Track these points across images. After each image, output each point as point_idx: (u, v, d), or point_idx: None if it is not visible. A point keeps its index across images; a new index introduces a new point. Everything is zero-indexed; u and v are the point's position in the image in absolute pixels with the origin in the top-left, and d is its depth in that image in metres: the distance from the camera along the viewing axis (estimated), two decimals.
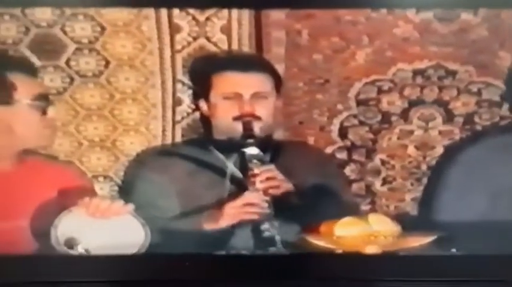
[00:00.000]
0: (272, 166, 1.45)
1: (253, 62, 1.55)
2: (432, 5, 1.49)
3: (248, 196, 1.42)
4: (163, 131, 1.65)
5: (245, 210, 1.43)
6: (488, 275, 1.05)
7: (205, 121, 1.60)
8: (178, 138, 1.67)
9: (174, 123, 1.65)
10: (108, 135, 1.64)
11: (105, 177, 1.66)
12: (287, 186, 1.44)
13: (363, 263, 1.10)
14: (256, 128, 1.50)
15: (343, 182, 1.61)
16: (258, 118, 1.50)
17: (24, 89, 1.49)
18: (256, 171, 1.44)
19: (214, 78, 1.54)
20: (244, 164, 1.48)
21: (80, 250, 1.36)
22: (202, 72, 1.57)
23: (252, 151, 1.46)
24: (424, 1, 1.43)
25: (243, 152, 1.47)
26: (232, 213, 1.44)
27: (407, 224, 1.37)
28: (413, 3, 1.48)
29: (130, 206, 1.38)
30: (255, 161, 1.45)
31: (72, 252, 1.31)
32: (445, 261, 1.09)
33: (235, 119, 1.50)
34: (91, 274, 1.11)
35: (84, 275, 1.10)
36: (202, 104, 1.58)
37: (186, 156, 1.54)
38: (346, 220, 1.39)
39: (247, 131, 1.48)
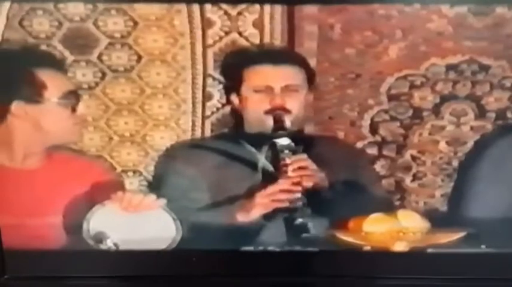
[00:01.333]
0: (304, 155, 1.46)
1: (284, 54, 1.54)
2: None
3: (281, 183, 1.43)
4: (193, 125, 1.66)
5: (277, 197, 1.44)
6: (489, 273, 1.05)
7: (236, 115, 1.60)
8: (208, 133, 1.67)
9: (203, 118, 1.65)
10: (138, 130, 1.64)
11: (134, 172, 1.66)
12: (320, 176, 1.46)
13: (366, 261, 1.08)
14: (287, 121, 1.51)
15: (374, 178, 1.61)
16: (289, 111, 1.51)
17: (54, 86, 1.49)
18: (288, 161, 1.46)
19: (245, 72, 1.55)
20: (275, 156, 1.49)
21: (109, 244, 1.35)
22: (234, 66, 1.57)
23: (283, 141, 1.48)
24: None
25: (274, 144, 1.49)
26: (264, 202, 1.45)
27: (437, 220, 1.37)
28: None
29: (163, 201, 1.39)
30: (286, 151, 1.47)
31: (101, 246, 1.33)
32: (445, 259, 1.07)
33: (266, 112, 1.52)
34: (97, 269, 1.10)
35: (96, 270, 1.10)
36: (234, 98, 1.59)
37: (217, 149, 1.56)
38: (375, 216, 1.39)
39: (278, 124, 1.49)
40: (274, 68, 1.53)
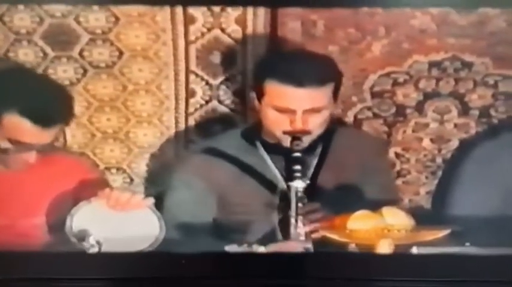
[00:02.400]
0: (317, 205, 1.34)
1: (313, 72, 1.37)
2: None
3: (288, 245, 1.30)
4: (176, 122, 1.65)
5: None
6: (487, 275, 1.05)
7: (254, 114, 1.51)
8: (191, 130, 1.66)
9: (187, 115, 1.64)
10: (121, 127, 1.64)
11: (117, 169, 1.66)
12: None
13: (359, 263, 1.10)
14: (305, 141, 1.39)
15: (391, 179, 1.56)
16: (309, 132, 1.39)
17: None
18: (300, 210, 1.32)
19: (267, 85, 1.39)
20: (288, 170, 1.37)
21: (91, 242, 1.31)
22: (258, 72, 1.46)
23: (297, 184, 1.33)
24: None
25: (288, 186, 1.35)
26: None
27: (422, 217, 1.34)
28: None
29: (150, 200, 1.34)
30: (300, 194, 1.33)
31: (83, 244, 1.28)
32: (443, 261, 1.09)
33: (286, 133, 1.39)
34: (88, 271, 1.10)
35: (84, 272, 1.10)
36: (253, 99, 1.45)
37: (231, 157, 1.44)
38: (360, 213, 1.35)
39: (295, 146, 1.37)
40: (300, 91, 1.35)
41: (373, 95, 1.64)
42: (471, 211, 1.46)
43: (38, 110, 1.37)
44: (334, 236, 1.31)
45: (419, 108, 1.65)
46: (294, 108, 1.35)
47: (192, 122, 1.66)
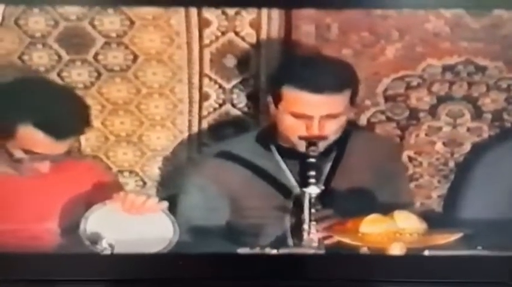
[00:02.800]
0: (330, 212, 1.34)
1: (332, 78, 1.37)
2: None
3: (301, 252, 1.31)
4: (190, 126, 1.63)
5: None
6: (483, 277, 1.06)
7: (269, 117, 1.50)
8: (205, 134, 1.65)
9: (200, 118, 1.63)
10: (134, 130, 1.62)
11: (130, 172, 1.64)
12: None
13: (358, 264, 1.11)
14: (321, 146, 1.39)
15: (405, 183, 1.55)
16: (325, 138, 1.38)
17: None
18: (313, 216, 1.32)
19: (285, 91, 1.38)
20: (303, 176, 1.37)
21: (104, 245, 1.32)
22: (275, 77, 1.45)
23: (312, 190, 1.33)
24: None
25: (303, 192, 1.35)
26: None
27: (434, 221, 1.34)
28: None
29: (165, 204, 1.34)
30: (313, 201, 1.34)
31: (97, 246, 1.30)
32: (438, 262, 1.10)
33: (302, 138, 1.38)
34: (85, 272, 1.11)
35: (79, 273, 1.11)
36: (271, 105, 1.44)
37: (245, 161, 1.43)
38: (372, 217, 1.35)
39: (311, 152, 1.36)
40: (317, 97, 1.35)
41: (387, 98, 1.62)
42: (483, 214, 1.45)
43: (52, 122, 1.37)
44: (346, 240, 1.31)
45: (433, 111, 1.63)
46: (311, 115, 1.35)
47: (205, 125, 1.64)
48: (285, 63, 1.49)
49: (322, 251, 1.24)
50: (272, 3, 1.42)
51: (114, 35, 1.57)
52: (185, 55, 1.59)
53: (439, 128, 1.63)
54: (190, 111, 1.63)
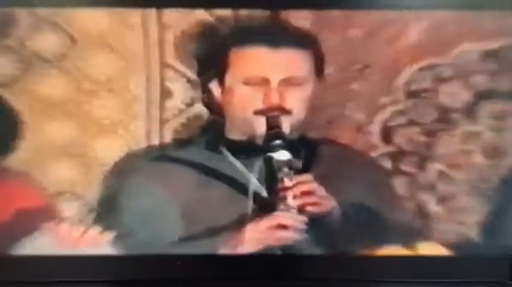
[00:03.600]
0: (309, 177, 1.24)
1: (288, 33, 1.25)
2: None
3: (279, 216, 1.22)
4: (148, 132, 1.35)
5: (274, 234, 1.23)
6: (482, 277, 1.07)
7: (216, 112, 1.31)
8: (168, 143, 1.36)
9: (162, 122, 1.35)
10: (75, 139, 1.33)
11: (72, 194, 1.35)
12: (329, 203, 1.24)
13: (356, 265, 1.10)
14: (285, 125, 1.24)
15: (394, 200, 1.36)
16: (288, 112, 1.24)
17: None
18: (288, 183, 1.22)
19: (232, 55, 1.24)
20: (271, 174, 1.25)
21: None
22: (217, 45, 1.27)
23: (281, 155, 1.22)
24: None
25: (270, 158, 1.24)
26: (257, 237, 1.25)
27: (469, 253, 1.22)
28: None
29: (110, 235, 1.23)
30: (285, 169, 1.22)
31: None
32: (437, 262, 1.09)
33: (258, 113, 1.23)
34: (83, 274, 1.10)
35: (76, 275, 1.10)
36: (215, 87, 1.29)
37: (191, 162, 1.29)
38: (391, 249, 1.27)
39: (274, 130, 1.23)
40: (273, 53, 1.23)
41: (409, 94, 1.35)
42: None
43: None
44: None
45: (470, 112, 1.37)
46: (267, 77, 1.22)
47: (168, 132, 1.35)
48: (233, 27, 1.29)
49: (304, 220, 1.21)
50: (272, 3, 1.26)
51: (43, 13, 1.28)
52: (141, 39, 1.31)
53: (478, 134, 1.38)
54: (148, 113, 1.34)
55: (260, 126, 1.23)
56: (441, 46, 1.32)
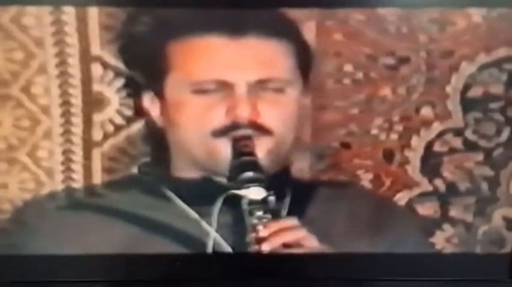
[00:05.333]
0: (294, 221, 0.94)
1: (257, 17, 0.91)
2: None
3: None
4: (66, 161, 0.92)
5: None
6: (480, 275, 1.00)
7: (156, 137, 0.94)
8: (97, 177, 0.93)
9: (88, 145, 0.92)
10: None
11: None
12: (311, 245, 0.95)
13: (354, 263, 1.01)
14: (261, 151, 0.91)
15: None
16: (265, 131, 0.91)
17: None
18: (263, 232, 0.92)
19: (173, 49, 0.89)
20: (238, 222, 0.93)
21: None
22: (150, 37, 0.90)
23: (253, 194, 0.92)
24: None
25: (237, 198, 0.92)
26: None
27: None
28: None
29: None
30: (259, 213, 0.92)
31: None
32: (435, 260, 1.02)
33: (219, 133, 0.90)
34: (84, 273, 1.00)
35: (77, 275, 1.00)
36: (149, 103, 0.92)
37: (120, 212, 0.95)
38: None
39: (243, 157, 0.91)
40: (236, 43, 0.89)
41: (468, 104, 0.94)
42: None
43: None
44: None
45: None
46: (229, 80, 0.89)
47: (97, 160, 0.92)
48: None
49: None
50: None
51: None
52: (47, 18, 0.87)
53: None
54: (66, 131, 0.91)
55: (222, 154, 0.89)
56: None
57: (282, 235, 0.91)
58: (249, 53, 0.89)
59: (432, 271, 1.02)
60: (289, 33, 0.92)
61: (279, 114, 0.92)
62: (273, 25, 0.92)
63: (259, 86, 0.89)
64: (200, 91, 0.89)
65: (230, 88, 0.88)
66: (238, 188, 0.91)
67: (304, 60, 0.93)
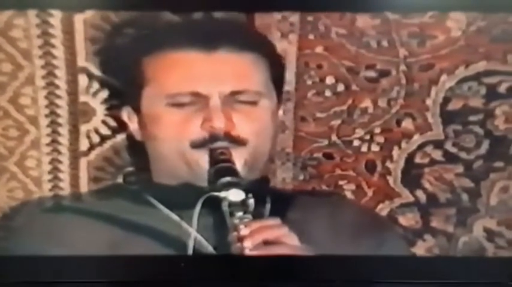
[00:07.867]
0: (277, 220, 0.91)
1: (231, 32, 0.94)
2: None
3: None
4: (54, 171, 0.94)
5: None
6: (484, 278, 0.96)
7: (138, 147, 0.95)
8: (84, 186, 0.95)
9: (74, 155, 0.94)
10: None
11: None
12: (292, 242, 0.92)
13: (355, 265, 0.98)
14: (238, 161, 0.91)
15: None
16: (241, 142, 0.92)
17: None
18: (244, 231, 0.89)
19: (149, 63, 0.91)
20: (218, 223, 0.93)
21: None
22: (127, 52, 0.94)
23: (233, 195, 0.90)
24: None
25: (217, 200, 0.91)
26: None
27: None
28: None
29: None
30: (240, 214, 0.90)
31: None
32: (440, 263, 1.00)
33: (196, 145, 0.90)
34: (83, 274, 0.98)
35: (77, 275, 0.98)
36: (127, 116, 0.94)
37: (107, 216, 0.94)
38: None
39: (221, 163, 0.90)
40: (209, 57, 0.91)
41: (447, 117, 0.95)
42: None
43: None
44: None
45: None
46: (203, 92, 0.91)
47: (83, 171, 0.94)
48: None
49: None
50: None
51: None
52: (33, 30, 0.89)
53: None
54: (54, 142, 0.93)
55: (201, 165, 0.90)
56: (496, 44, 0.90)
57: (263, 232, 0.90)
58: (222, 66, 0.91)
59: (434, 274, 0.99)
60: (262, 47, 0.94)
61: (253, 125, 0.92)
62: (246, 39, 0.94)
63: (233, 98, 0.91)
64: (175, 104, 0.90)
65: (205, 100, 0.89)
66: (218, 191, 0.90)
67: (277, 74, 0.95)
